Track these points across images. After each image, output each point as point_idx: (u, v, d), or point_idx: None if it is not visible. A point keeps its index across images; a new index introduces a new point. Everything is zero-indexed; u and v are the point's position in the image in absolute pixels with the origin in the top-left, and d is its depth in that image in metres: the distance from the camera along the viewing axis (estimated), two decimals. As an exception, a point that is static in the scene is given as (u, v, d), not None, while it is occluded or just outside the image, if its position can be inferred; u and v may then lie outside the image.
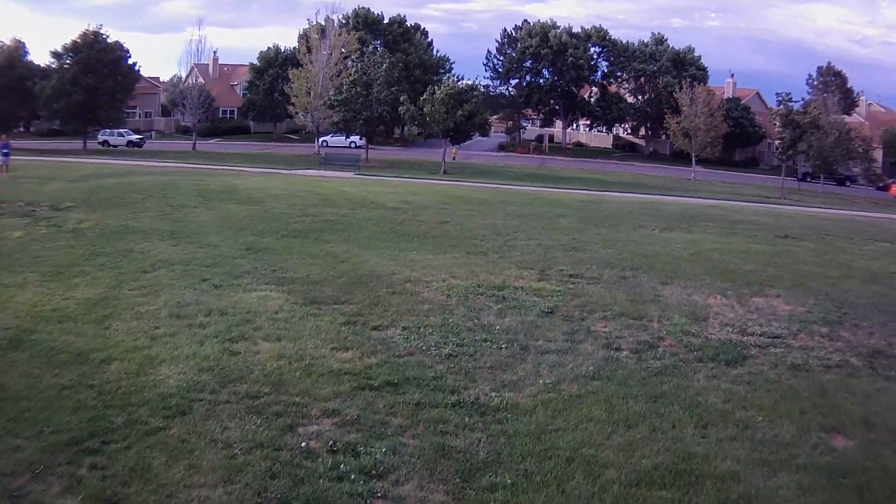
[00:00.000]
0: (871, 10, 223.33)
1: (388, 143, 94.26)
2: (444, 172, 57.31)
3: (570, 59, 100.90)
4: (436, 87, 59.24)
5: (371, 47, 71.70)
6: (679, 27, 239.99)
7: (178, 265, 17.03)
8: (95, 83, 67.50)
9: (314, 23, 78.97)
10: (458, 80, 59.64)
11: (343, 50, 75.56)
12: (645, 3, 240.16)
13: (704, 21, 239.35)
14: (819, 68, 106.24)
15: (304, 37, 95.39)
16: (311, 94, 72.29)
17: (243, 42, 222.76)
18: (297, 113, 75.55)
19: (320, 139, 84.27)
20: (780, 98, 70.53)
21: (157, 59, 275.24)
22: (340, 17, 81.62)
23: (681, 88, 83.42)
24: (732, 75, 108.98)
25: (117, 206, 27.16)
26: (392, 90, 64.36)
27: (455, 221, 26.42)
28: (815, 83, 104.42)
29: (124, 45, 72.87)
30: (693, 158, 79.17)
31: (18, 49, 73.68)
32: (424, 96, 59.33)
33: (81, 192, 31.78)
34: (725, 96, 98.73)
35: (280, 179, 42.55)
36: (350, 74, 70.44)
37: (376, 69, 64.81)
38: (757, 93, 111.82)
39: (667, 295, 16.40)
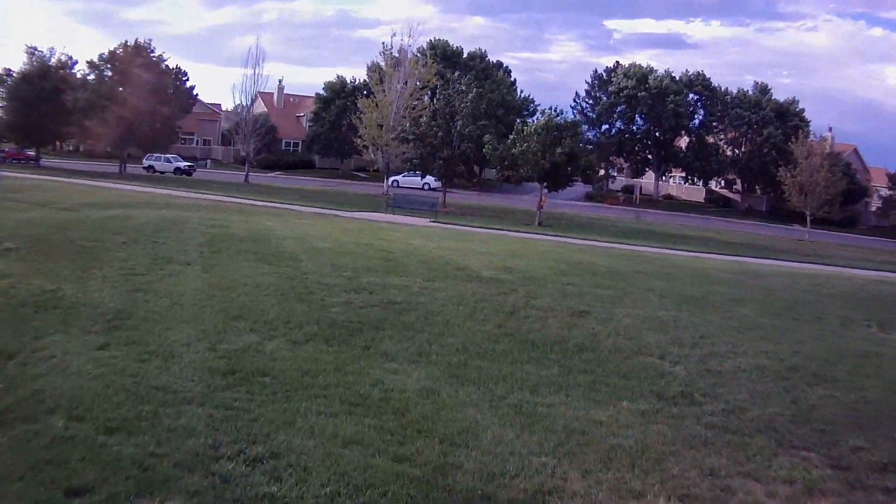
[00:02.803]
0: None
1: (463, 187, 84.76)
2: (540, 224, 47.11)
3: (671, 105, 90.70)
4: (526, 122, 48.98)
5: (456, 74, 61.32)
6: (752, 84, 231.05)
7: (53, 413, 7.56)
8: (134, 99, 58.74)
9: (388, 49, 69.24)
10: (557, 115, 49.16)
11: (419, 82, 65.86)
12: (719, 59, 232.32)
13: (777, 79, 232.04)
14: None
15: (375, 68, 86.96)
16: (383, 128, 62.71)
17: (318, 80, 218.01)
18: (365, 147, 65.98)
19: (391, 179, 75.19)
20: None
21: (229, 90, 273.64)
22: (416, 48, 71.60)
23: (796, 139, 73.76)
24: (831, 129, 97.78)
25: (77, 253, 17.74)
26: (478, 125, 54.43)
27: (598, 312, 16.25)
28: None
29: (176, 66, 64.79)
30: (808, 218, 69.19)
31: (65, 63, 65.56)
32: (514, 133, 49.10)
33: (50, 226, 22.52)
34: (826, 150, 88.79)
35: (333, 225, 32.58)
36: (426, 106, 61.17)
37: (461, 99, 54.92)
38: (854, 149, 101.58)
39: None
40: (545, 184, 50.04)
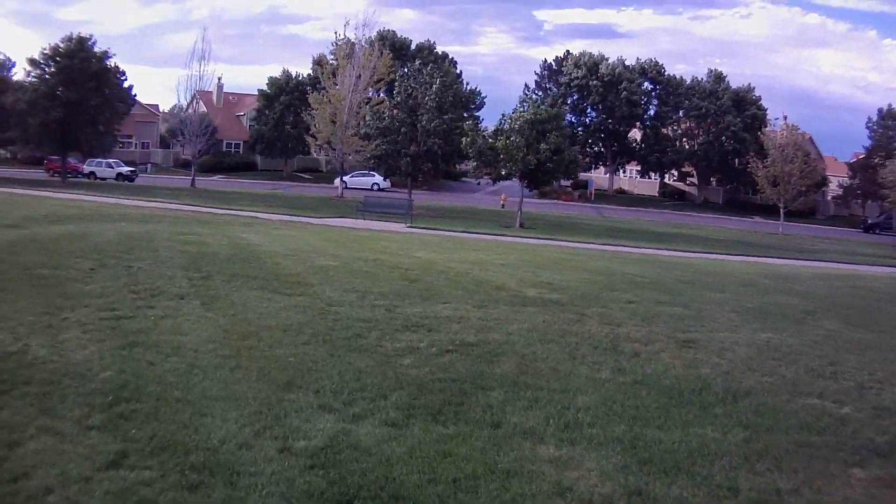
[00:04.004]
0: (876, 55, 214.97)
1: (413, 187, 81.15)
2: (521, 226, 43.75)
3: (624, 93, 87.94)
4: (508, 116, 45.08)
5: (417, 63, 57.24)
6: (683, 72, 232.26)
7: None
8: (77, 98, 53.91)
9: (341, 38, 64.54)
10: (539, 104, 45.56)
11: (373, 74, 61.65)
12: (651, 49, 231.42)
13: (709, 66, 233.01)
14: (880, 111, 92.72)
15: (323, 60, 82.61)
16: (336, 123, 58.76)
17: (247, 79, 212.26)
18: (318, 146, 61.99)
19: (337, 180, 71.70)
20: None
21: (162, 91, 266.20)
22: (367, 36, 66.92)
23: (761, 128, 73.47)
24: (786, 118, 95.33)
25: (37, 287, 13.87)
26: (444, 118, 50.65)
27: (699, 340, 13.27)
28: (875, 127, 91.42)
29: (117, 64, 59.42)
30: (782, 210, 66.98)
31: (3, 63, 60.15)
32: (496, 126, 45.30)
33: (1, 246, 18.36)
34: (778, 141, 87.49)
35: (315, 234, 28.73)
36: (382, 100, 57.73)
37: (423, 91, 51.40)
38: (810, 137, 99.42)
39: None
40: (525, 182, 46.46)
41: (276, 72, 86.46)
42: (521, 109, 45.26)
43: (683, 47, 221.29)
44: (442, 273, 18.97)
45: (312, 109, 61.01)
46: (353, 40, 63.70)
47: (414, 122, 49.86)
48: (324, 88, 61.63)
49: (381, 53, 63.48)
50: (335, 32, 68.87)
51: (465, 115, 77.13)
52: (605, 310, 15.40)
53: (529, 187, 47.78)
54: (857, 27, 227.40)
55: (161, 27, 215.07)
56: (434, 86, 50.92)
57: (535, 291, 17.14)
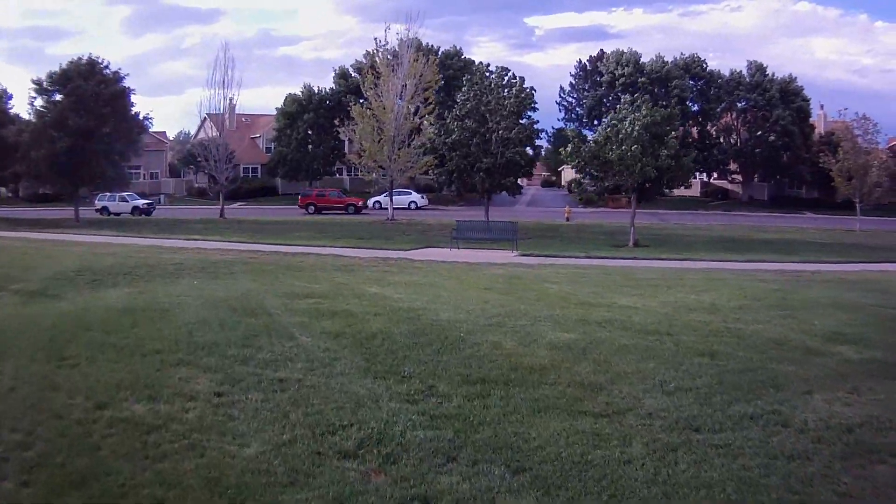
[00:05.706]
0: (869, 38, 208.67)
1: (447, 201, 74.40)
2: (636, 244, 36.95)
3: (676, 90, 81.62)
4: (622, 118, 38.01)
5: (483, 65, 50.19)
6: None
7: None
8: (90, 126, 47.38)
9: (382, 44, 57.65)
10: (654, 104, 38.85)
11: (418, 82, 54.79)
12: (643, 47, 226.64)
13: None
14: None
15: (343, 75, 76.37)
16: (382, 139, 52.19)
17: (246, 101, 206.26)
18: (363, 165, 55.41)
19: (371, 200, 66.88)
20: None
21: (160, 119, 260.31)
22: (410, 33, 59.10)
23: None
24: (822, 107, 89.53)
25: (145, 460, 7.65)
26: (523, 123, 43.92)
27: None
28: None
29: (127, 84, 52.62)
30: (858, 205, 61.37)
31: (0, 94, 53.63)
32: (606, 130, 38.13)
33: (35, 354, 11.78)
34: (817, 131, 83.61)
35: (449, 279, 21.76)
36: (431, 110, 51.50)
37: (496, 95, 44.42)
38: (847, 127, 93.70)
39: None
40: (633, 196, 39.58)
41: (272, 94, 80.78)
42: (629, 111, 38.47)
43: (676, 43, 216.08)
44: (709, 335, 13.46)
45: (354, 124, 54.56)
46: (395, 46, 57.13)
47: (485, 132, 42.88)
48: (366, 100, 55.12)
49: (428, 59, 56.63)
50: (375, 39, 61.61)
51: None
52: None
53: (641, 198, 40.74)
54: (848, 12, 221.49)
55: (153, 55, 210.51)
56: (514, 88, 44.20)
57: (845, 350, 12.83)
